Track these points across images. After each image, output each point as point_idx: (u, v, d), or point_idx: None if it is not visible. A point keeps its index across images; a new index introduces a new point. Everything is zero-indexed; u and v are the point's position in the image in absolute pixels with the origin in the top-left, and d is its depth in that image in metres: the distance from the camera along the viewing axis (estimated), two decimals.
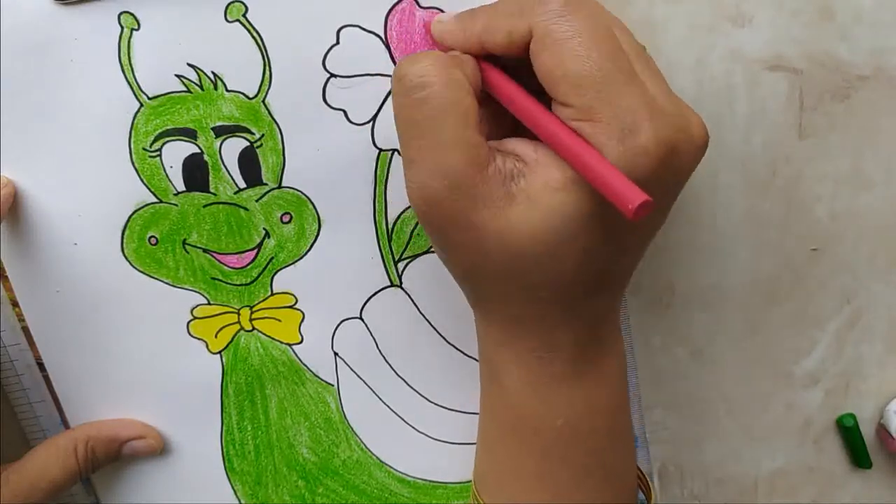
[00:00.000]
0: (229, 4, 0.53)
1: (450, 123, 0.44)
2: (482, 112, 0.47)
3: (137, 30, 0.53)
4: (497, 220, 0.44)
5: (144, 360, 0.60)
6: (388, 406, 0.61)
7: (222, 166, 0.55)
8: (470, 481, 0.62)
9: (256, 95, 0.54)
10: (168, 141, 0.55)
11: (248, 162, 0.55)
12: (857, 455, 0.67)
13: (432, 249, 0.58)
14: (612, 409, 0.51)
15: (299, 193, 0.56)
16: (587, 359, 0.49)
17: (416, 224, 0.57)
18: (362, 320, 0.60)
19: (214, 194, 0.56)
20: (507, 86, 0.47)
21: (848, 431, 0.66)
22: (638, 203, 0.39)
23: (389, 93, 0.54)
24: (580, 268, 0.45)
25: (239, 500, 0.63)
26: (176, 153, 0.55)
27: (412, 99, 0.46)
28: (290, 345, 0.60)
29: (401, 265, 0.58)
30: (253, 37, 0.53)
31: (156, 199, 0.56)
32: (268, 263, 0.58)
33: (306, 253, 0.58)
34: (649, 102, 0.43)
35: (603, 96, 0.42)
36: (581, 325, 0.48)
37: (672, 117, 0.44)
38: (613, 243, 0.45)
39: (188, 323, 0.59)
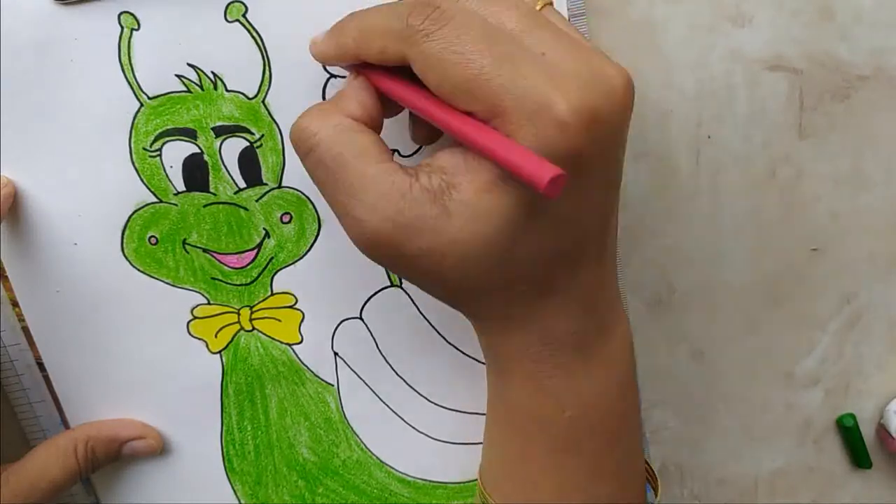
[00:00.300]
0: (229, 4, 0.52)
1: (351, 171, 0.43)
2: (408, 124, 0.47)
3: (137, 30, 0.52)
4: (441, 239, 0.42)
5: (145, 360, 0.59)
6: (389, 406, 0.61)
7: (222, 166, 0.55)
8: (470, 481, 0.63)
9: (256, 95, 0.54)
10: (168, 141, 0.54)
11: (248, 162, 0.55)
12: (857, 455, 0.67)
13: None
14: (621, 391, 0.50)
15: (299, 193, 0.56)
16: (588, 343, 0.48)
17: None
18: (362, 320, 0.59)
19: (214, 194, 0.56)
20: (405, 93, 0.45)
21: (848, 431, 0.66)
22: (548, 179, 0.37)
23: None
24: (545, 254, 0.44)
25: (239, 500, 0.63)
26: (176, 153, 0.55)
27: (309, 162, 0.45)
28: (290, 345, 0.59)
29: None
30: (253, 37, 0.53)
31: (156, 199, 0.56)
32: (268, 263, 0.57)
33: (306, 253, 0.57)
34: (552, 73, 0.41)
35: (497, 90, 0.40)
36: (575, 309, 0.47)
37: (584, 80, 0.41)
38: (568, 220, 0.44)
39: (188, 323, 0.59)
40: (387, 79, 0.46)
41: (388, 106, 0.48)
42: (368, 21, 0.46)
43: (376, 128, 0.47)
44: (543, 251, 0.44)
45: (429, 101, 0.43)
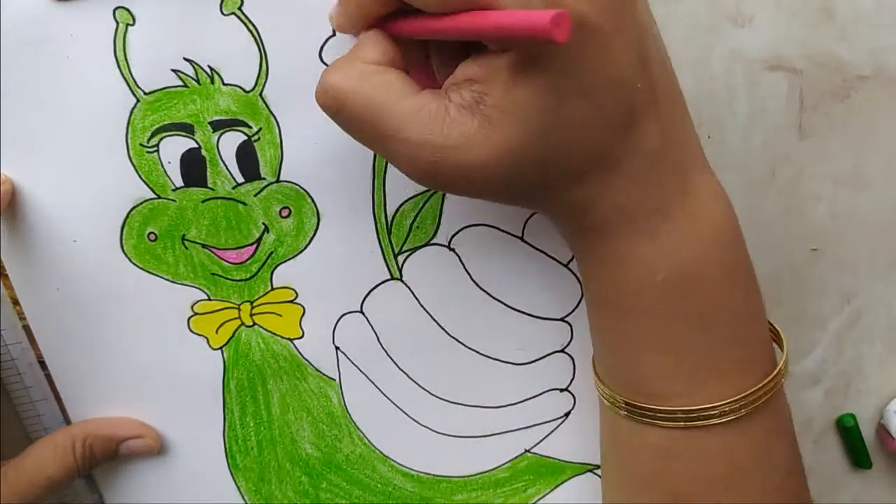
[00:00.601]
0: None
1: (386, 112, 0.43)
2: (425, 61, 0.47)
3: (133, 25, 0.51)
4: (491, 147, 0.42)
5: (146, 357, 0.58)
6: (391, 400, 0.60)
7: (220, 161, 0.54)
8: (474, 475, 0.62)
9: (254, 89, 0.52)
10: (165, 136, 0.53)
11: (246, 156, 0.54)
12: (857, 455, 0.66)
13: (432, 242, 0.57)
14: (716, 243, 0.47)
15: (298, 187, 0.55)
16: (667, 202, 0.45)
17: (416, 216, 0.56)
18: (363, 314, 0.58)
19: (213, 189, 0.55)
20: (412, 25, 0.45)
21: (848, 431, 0.65)
22: (548, 22, 0.36)
23: None
24: (592, 125, 0.42)
25: (242, 497, 0.62)
26: (173, 148, 0.54)
27: (343, 117, 0.45)
28: (291, 340, 0.58)
29: (401, 258, 0.57)
30: (249, 30, 0.51)
31: (154, 195, 0.54)
32: (267, 258, 0.56)
33: (306, 247, 0.56)
34: None
35: None
36: (643, 173, 0.44)
37: None
38: (601, 83, 0.42)
39: (189, 319, 0.58)
40: (394, 24, 0.46)
41: (407, 54, 0.48)
42: None
43: (398, 66, 0.46)
44: (589, 123, 0.42)
45: (433, 19, 0.43)
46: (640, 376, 0.48)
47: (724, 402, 0.46)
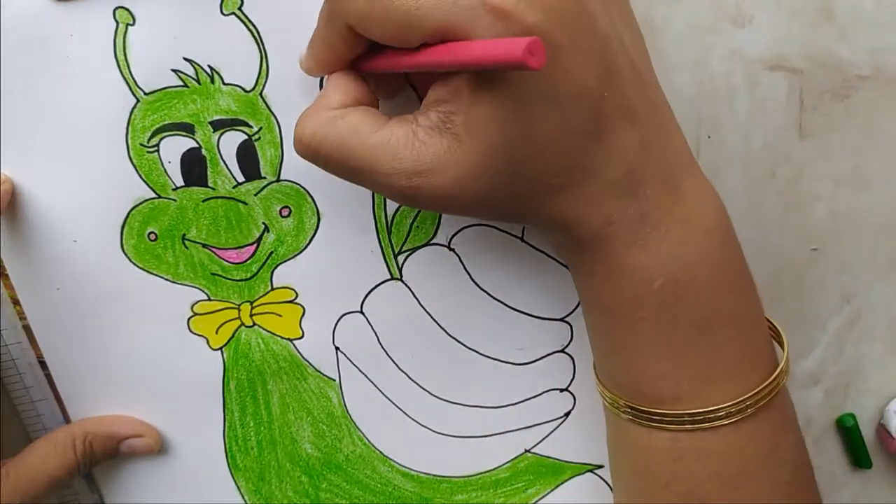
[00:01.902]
0: None
1: (357, 151, 0.44)
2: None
3: (133, 25, 0.51)
4: (462, 164, 0.43)
5: (146, 358, 0.58)
6: (391, 400, 0.60)
7: (220, 161, 0.54)
8: (474, 475, 0.62)
9: (254, 88, 0.52)
10: (166, 136, 0.53)
11: (247, 156, 0.54)
12: (857, 455, 0.65)
13: (432, 242, 0.57)
14: (711, 245, 0.47)
15: (298, 186, 0.55)
16: (654, 209, 0.45)
17: (416, 216, 0.56)
18: (363, 314, 0.58)
19: (213, 189, 0.55)
20: (390, 62, 0.45)
21: (848, 431, 0.65)
22: (521, 52, 0.36)
23: None
24: (564, 137, 0.42)
25: (242, 497, 0.62)
26: (174, 148, 0.54)
27: (322, 163, 0.46)
28: (291, 340, 0.58)
29: (401, 258, 0.57)
30: (249, 29, 0.51)
31: (154, 195, 0.54)
32: (267, 258, 0.56)
33: (306, 247, 0.56)
34: None
35: (431, 11, 0.40)
36: (623, 181, 0.44)
37: None
38: (567, 95, 0.42)
39: (189, 319, 0.57)
40: (367, 62, 0.47)
41: (386, 87, 0.50)
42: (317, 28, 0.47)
43: (365, 104, 0.47)
44: (555, 133, 0.42)
45: (406, 54, 0.43)
46: (645, 382, 0.48)
47: (730, 403, 0.46)
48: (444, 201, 0.44)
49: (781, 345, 0.51)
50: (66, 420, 0.59)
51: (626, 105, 0.44)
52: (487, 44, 0.38)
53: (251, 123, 0.53)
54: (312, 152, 0.46)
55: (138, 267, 0.56)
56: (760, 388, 0.47)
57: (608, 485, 0.62)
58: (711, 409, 0.46)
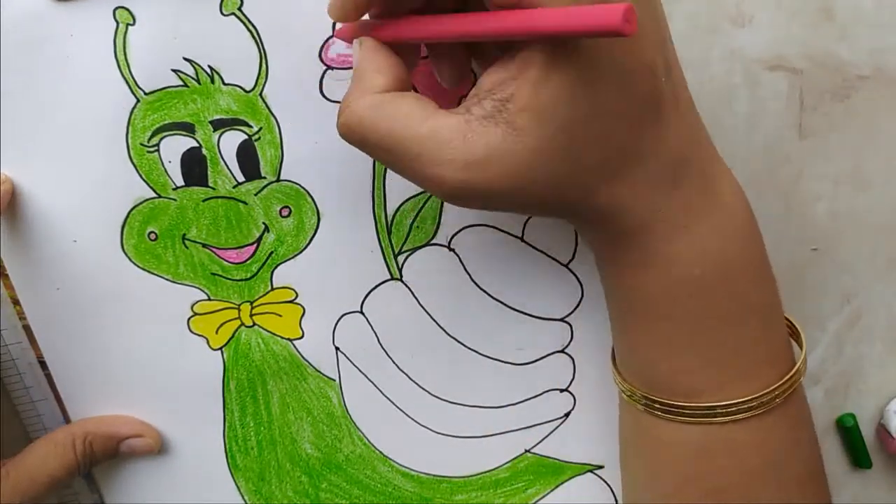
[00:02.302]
0: None
1: (407, 140, 0.43)
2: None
3: (133, 25, 0.51)
4: (519, 155, 0.41)
5: (146, 357, 0.58)
6: (391, 400, 0.60)
7: (221, 160, 0.54)
8: (474, 475, 0.62)
9: (254, 89, 0.52)
10: (166, 136, 0.53)
11: (247, 155, 0.54)
12: (857, 455, 0.65)
13: (432, 242, 0.57)
14: (744, 241, 0.47)
15: (298, 187, 0.55)
16: (695, 197, 0.45)
17: (416, 216, 0.56)
18: (363, 314, 0.58)
19: (213, 189, 0.55)
20: (422, 27, 0.44)
21: (848, 431, 0.65)
22: (622, 11, 0.35)
23: None
24: (621, 118, 0.42)
25: (242, 497, 0.62)
26: (174, 148, 0.54)
27: (368, 150, 0.45)
28: (291, 340, 0.58)
29: (401, 258, 0.57)
30: (249, 30, 0.51)
31: (154, 195, 0.54)
32: (267, 258, 0.56)
33: (306, 247, 0.56)
34: None
35: None
36: (671, 168, 0.44)
37: None
38: (626, 73, 0.41)
39: (189, 319, 0.58)
40: (395, 26, 0.46)
41: (406, 57, 0.47)
42: None
43: (405, 85, 0.46)
44: (618, 113, 0.42)
45: (449, 19, 0.42)
46: (671, 374, 0.48)
47: (757, 394, 0.47)
48: (495, 195, 0.42)
49: (799, 340, 0.51)
50: (66, 420, 0.59)
51: (676, 93, 0.44)
52: (582, 11, 0.36)
53: (251, 123, 0.53)
54: (360, 138, 0.44)
55: (138, 267, 0.56)
56: (783, 380, 0.47)
57: (608, 485, 0.62)
58: (740, 400, 0.46)
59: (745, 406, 0.46)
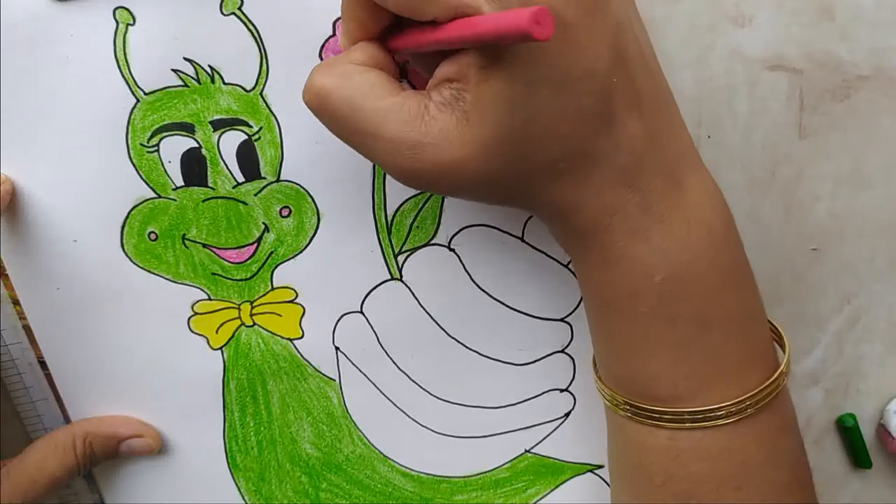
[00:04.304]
0: None
1: (366, 110, 0.43)
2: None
3: (133, 25, 0.51)
4: (469, 143, 0.42)
5: (146, 357, 0.58)
6: (391, 400, 0.60)
7: (220, 160, 0.54)
8: (474, 475, 0.62)
9: (254, 88, 0.52)
10: (166, 136, 0.53)
11: (247, 156, 0.54)
12: (857, 455, 0.65)
13: (432, 242, 0.56)
14: (714, 243, 0.46)
15: (298, 187, 0.55)
16: (657, 201, 0.44)
17: (416, 216, 0.56)
18: (363, 314, 0.58)
19: (213, 189, 0.54)
20: (408, 40, 0.45)
21: (848, 431, 0.64)
22: (527, 19, 0.35)
23: None
24: (569, 119, 0.42)
25: (242, 497, 0.62)
26: (174, 148, 0.53)
27: (325, 116, 0.45)
28: (291, 340, 0.58)
29: (401, 258, 0.57)
30: (249, 29, 0.51)
31: (154, 195, 0.54)
32: (267, 258, 0.56)
33: (306, 247, 0.56)
34: None
35: None
36: (627, 170, 0.44)
37: None
38: (577, 76, 0.41)
39: (189, 319, 0.57)
40: (390, 41, 0.46)
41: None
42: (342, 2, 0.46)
43: (383, 68, 0.46)
44: (563, 115, 0.42)
45: (422, 32, 0.43)
46: (643, 379, 0.48)
47: (730, 402, 0.46)
48: (443, 178, 0.43)
49: (782, 346, 0.50)
50: (66, 420, 0.59)
51: (633, 93, 0.43)
52: (493, 16, 0.38)
53: (251, 123, 0.53)
54: (319, 101, 0.44)
55: (138, 266, 0.56)
56: (760, 388, 0.46)
57: (608, 485, 0.62)
58: (711, 407, 0.46)
59: (714, 414, 0.46)
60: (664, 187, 0.44)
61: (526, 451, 0.61)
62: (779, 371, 0.48)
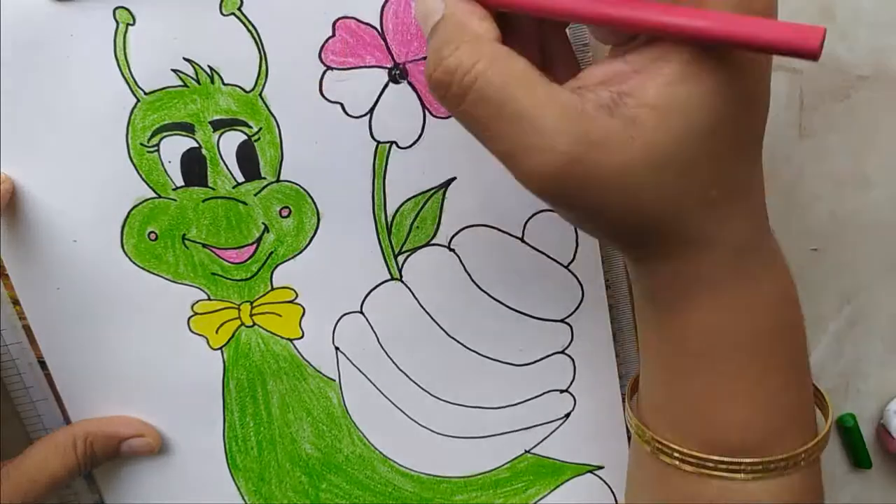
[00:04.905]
0: None
1: (520, 98, 0.38)
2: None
3: (133, 25, 0.51)
4: (634, 149, 0.37)
5: (146, 357, 0.58)
6: (390, 400, 0.60)
7: (220, 161, 0.54)
8: (474, 475, 0.62)
9: (253, 89, 0.52)
10: (166, 136, 0.53)
11: (247, 156, 0.54)
12: (857, 455, 0.65)
13: (432, 242, 0.56)
14: (795, 297, 0.45)
15: (298, 187, 0.55)
16: (764, 247, 0.42)
17: (416, 217, 0.56)
18: (363, 314, 0.58)
19: (213, 189, 0.54)
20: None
21: (848, 431, 0.65)
22: (819, 39, 0.33)
23: (386, 85, 0.52)
24: (736, 146, 0.39)
25: (242, 497, 0.62)
26: (174, 148, 0.53)
27: (468, 103, 0.39)
28: (290, 340, 0.58)
29: (400, 258, 0.57)
30: (249, 30, 0.51)
31: (154, 195, 0.54)
32: (267, 258, 0.56)
33: (306, 247, 0.56)
34: None
35: None
36: (756, 210, 0.42)
37: None
38: (754, 99, 0.39)
39: (189, 319, 0.57)
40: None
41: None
42: None
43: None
44: (740, 137, 0.39)
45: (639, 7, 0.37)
46: (718, 428, 0.45)
47: (792, 453, 0.44)
48: (596, 187, 0.38)
49: (826, 414, 0.49)
50: (66, 420, 0.59)
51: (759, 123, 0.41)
52: (776, 25, 0.34)
53: (251, 123, 0.53)
54: (462, 87, 0.38)
55: (138, 266, 0.56)
56: (820, 438, 0.46)
57: (608, 485, 0.62)
58: (780, 457, 0.44)
59: (783, 463, 0.44)
60: (768, 235, 0.43)
61: (526, 451, 0.61)
62: (825, 430, 0.46)
